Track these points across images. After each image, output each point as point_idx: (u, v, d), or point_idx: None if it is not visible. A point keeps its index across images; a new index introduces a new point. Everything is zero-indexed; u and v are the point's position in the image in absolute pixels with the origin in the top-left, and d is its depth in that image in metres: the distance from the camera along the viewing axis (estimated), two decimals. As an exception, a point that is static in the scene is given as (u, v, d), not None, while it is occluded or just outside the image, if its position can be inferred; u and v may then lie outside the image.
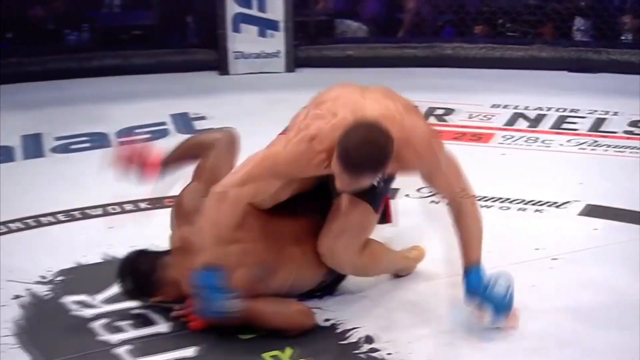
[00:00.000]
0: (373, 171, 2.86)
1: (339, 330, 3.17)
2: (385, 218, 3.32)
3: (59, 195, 4.34)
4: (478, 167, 4.58)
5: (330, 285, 3.30)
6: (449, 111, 5.37)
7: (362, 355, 3.00)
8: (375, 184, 3.05)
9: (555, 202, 4.12)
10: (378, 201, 3.16)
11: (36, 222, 4.08)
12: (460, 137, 5.01)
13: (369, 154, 2.81)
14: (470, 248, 3.04)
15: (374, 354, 3.01)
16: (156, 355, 3.04)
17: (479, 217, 3.08)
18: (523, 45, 6.25)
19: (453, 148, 4.80)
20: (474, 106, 5.43)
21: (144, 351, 3.07)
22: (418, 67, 6.22)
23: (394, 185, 3.33)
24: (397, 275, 3.44)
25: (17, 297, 3.44)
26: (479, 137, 5.00)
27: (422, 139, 2.98)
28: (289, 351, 3.02)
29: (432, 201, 4.15)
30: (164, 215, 4.06)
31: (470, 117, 5.28)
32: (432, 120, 5.25)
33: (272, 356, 3.01)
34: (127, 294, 3.25)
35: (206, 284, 2.94)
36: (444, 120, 5.25)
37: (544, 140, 4.91)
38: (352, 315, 3.24)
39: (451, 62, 6.23)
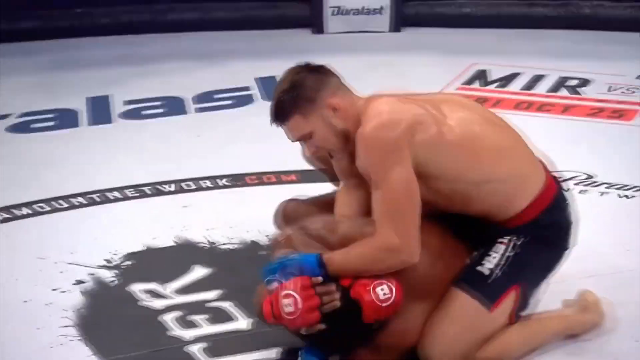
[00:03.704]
0: (280, 115, 2.91)
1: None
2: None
3: (128, 168, 4.43)
4: (618, 149, 4.53)
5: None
6: (585, 82, 5.28)
7: None
8: (486, 270, 2.90)
9: None
10: (493, 292, 2.90)
11: (102, 197, 4.17)
12: (596, 113, 4.92)
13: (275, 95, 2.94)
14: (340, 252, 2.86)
15: None
16: (234, 356, 3.09)
17: (367, 256, 2.83)
18: (677, 5, 6.10)
19: (588, 126, 4.85)
20: (615, 77, 5.33)
21: (221, 350, 3.12)
22: (548, 28, 6.12)
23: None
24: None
25: (79, 282, 3.54)
26: (620, 114, 4.90)
27: (380, 138, 2.82)
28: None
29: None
30: (245, 194, 4.16)
31: (609, 90, 5.18)
32: (563, 92, 5.17)
33: None
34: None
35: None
36: (578, 93, 5.16)
37: (698, 120, 4.79)
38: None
39: (589, 24, 6.11)
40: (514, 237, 2.94)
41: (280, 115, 2.93)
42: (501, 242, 2.94)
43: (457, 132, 2.89)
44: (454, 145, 2.87)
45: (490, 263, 2.92)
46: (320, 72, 2.95)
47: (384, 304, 2.81)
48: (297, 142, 3.00)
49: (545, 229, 2.96)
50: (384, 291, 2.81)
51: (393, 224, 2.80)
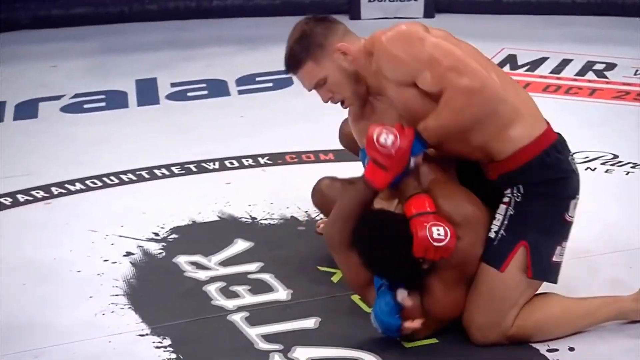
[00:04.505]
0: (293, 63, 2.97)
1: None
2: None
3: (174, 146, 4.46)
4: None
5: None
6: (611, 66, 5.23)
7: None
8: (492, 234, 2.84)
9: None
10: (500, 253, 2.84)
11: (150, 174, 4.20)
12: (622, 96, 4.88)
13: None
14: (431, 116, 2.80)
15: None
16: (274, 325, 3.11)
17: (455, 107, 2.77)
18: None
19: (614, 108, 4.81)
20: (641, 61, 5.28)
21: (261, 319, 3.14)
22: (575, 14, 6.05)
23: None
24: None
25: (128, 254, 3.58)
26: (645, 97, 4.86)
27: (400, 33, 2.89)
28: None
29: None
30: (285, 171, 4.17)
31: (636, 74, 5.13)
32: (590, 76, 5.13)
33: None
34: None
35: None
36: (605, 77, 5.12)
37: None
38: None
39: (615, 10, 6.04)
40: (515, 191, 2.84)
41: (293, 63, 2.98)
42: (503, 203, 2.86)
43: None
44: None
45: (495, 226, 2.86)
46: (327, 21, 3.00)
47: (435, 243, 2.77)
48: (313, 90, 3.03)
49: (547, 184, 2.83)
50: (439, 231, 2.77)
51: (455, 72, 2.77)
